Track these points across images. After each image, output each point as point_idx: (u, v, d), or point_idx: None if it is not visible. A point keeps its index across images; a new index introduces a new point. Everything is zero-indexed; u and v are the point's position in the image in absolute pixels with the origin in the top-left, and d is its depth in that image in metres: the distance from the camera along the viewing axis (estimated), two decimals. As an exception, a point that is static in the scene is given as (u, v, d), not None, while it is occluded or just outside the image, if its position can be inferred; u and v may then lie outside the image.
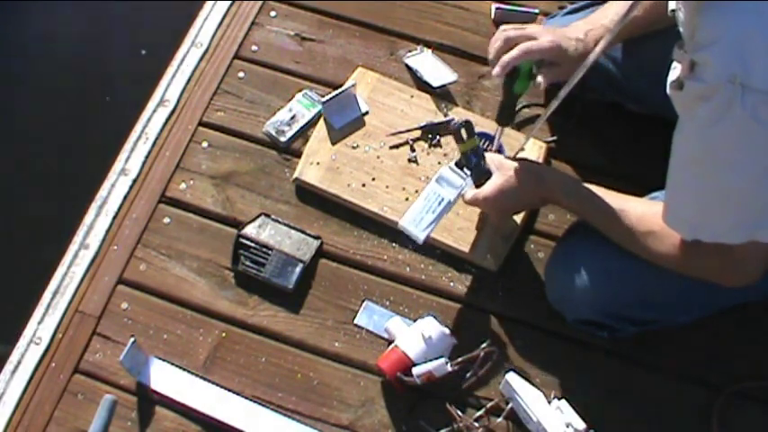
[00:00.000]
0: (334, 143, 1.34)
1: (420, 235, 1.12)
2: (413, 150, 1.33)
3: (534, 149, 1.32)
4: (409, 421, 1.13)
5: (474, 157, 1.13)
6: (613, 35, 0.95)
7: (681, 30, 0.87)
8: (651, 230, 0.96)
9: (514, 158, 1.19)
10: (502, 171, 1.11)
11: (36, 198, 1.91)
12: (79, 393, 1.16)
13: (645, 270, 1.01)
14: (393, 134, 1.34)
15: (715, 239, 0.87)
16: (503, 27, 1.13)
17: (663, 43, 1.19)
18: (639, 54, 1.21)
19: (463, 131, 1.11)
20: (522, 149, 1.23)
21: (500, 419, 1.11)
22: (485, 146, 1.27)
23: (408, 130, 1.34)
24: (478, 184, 1.13)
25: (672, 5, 0.91)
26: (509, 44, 1.10)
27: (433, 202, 1.13)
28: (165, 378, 1.15)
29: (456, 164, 1.16)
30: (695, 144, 0.83)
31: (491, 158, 1.14)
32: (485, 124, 1.34)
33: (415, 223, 1.13)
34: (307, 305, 1.22)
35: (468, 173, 1.14)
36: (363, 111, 1.36)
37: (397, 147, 1.33)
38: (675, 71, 0.85)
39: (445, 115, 1.36)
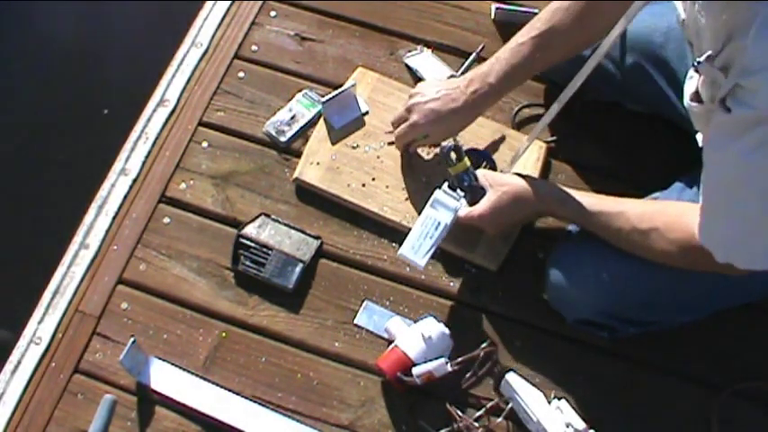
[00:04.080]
0: (334, 143, 1.33)
1: (421, 261, 1.12)
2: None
3: (534, 149, 1.32)
4: (409, 421, 1.13)
5: (466, 178, 1.14)
6: (616, 36, 0.94)
7: (692, 40, 0.86)
8: (654, 228, 0.96)
9: (506, 173, 1.19)
10: (495, 188, 1.11)
11: (36, 197, 1.91)
12: (79, 393, 1.16)
13: (645, 271, 1.01)
14: (392, 132, 1.34)
15: (749, 266, 0.85)
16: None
17: (665, 47, 1.20)
18: (641, 56, 1.21)
19: (453, 154, 1.13)
20: (521, 155, 1.23)
21: (500, 419, 1.11)
22: (481, 164, 1.27)
23: None
24: (473, 202, 1.14)
25: (682, 15, 0.89)
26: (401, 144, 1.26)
27: (429, 227, 1.14)
28: (165, 378, 1.15)
29: (449, 186, 1.16)
30: (735, 168, 0.80)
31: (484, 175, 1.14)
32: (484, 124, 1.34)
33: (414, 250, 1.13)
34: (307, 305, 1.22)
35: (462, 194, 1.15)
36: (363, 111, 1.36)
37: (393, 143, 1.33)
38: (693, 81, 0.83)
39: None
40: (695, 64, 0.82)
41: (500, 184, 1.11)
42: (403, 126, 1.22)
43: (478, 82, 1.15)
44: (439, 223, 1.14)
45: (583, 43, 1.12)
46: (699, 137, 0.97)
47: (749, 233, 0.85)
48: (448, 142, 1.18)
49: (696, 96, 0.84)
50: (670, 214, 0.97)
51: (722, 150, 0.81)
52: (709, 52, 0.80)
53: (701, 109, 0.83)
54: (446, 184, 1.17)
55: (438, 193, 1.16)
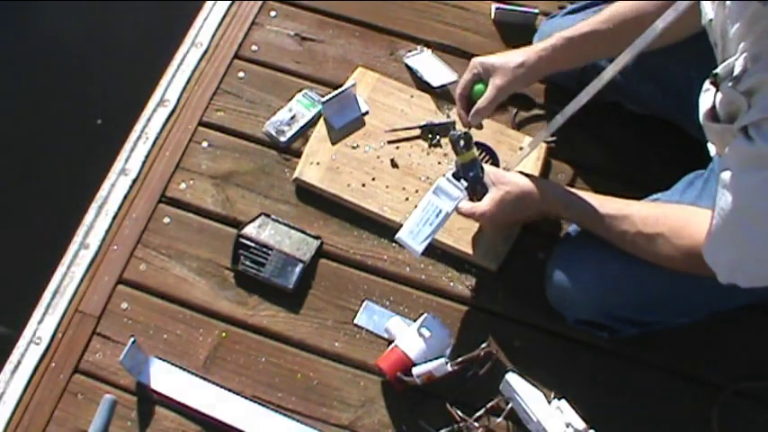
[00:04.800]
0: (334, 143, 1.33)
1: (418, 248, 1.12)
2: (397, 148, 1.33)
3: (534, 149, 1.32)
4: (409, 421, 1.13)
5: (472, 169, 1.13)
6: (640, 48, 0.93)
7: (718, 42, 0.84)
8: (659, 233, 0.96)
9: (511, 171, 1.19)
10: (499, 186, 1.10)
11: (36, 198, 1.91)
12: (79, 393, 1.16)
13: (645, 272, 1.01)
14: (391, 131, 1.34)
15: (750, 285, 0.86)
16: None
17: (665, 49, 1.19)
18: (641, 58, 1.21)
19: (462, 142, 1.11)
20: (521, 160, 1.23)
21: (500, 419, 1.11)
22: (482, 157, 1.27)
23: (407, 128, 1.34)
24: (474, 196, 1.13)
25: (710, 15, 0.87)
26: (461, 101, 1.19)
27: (430, 213, 1.13)
28: (165, 378, 1.15)
29: (453, 174, 1.15)
30: (751, 197, 0.80)
31: (488, 171, 1.13)
32: (485, 124, 1.34)
33: (413, 236, 1.12)
34: (307, 305, 1.22)
35: (466, 184, 1.14)
36: (363, 111, 1.36)
37: (392, 142, 1.33)
38: (709, 95, 0.81)
39: (447, 117, 1.36)
40: (711, 75, 0.80)
41: (504, 182, 1.10)
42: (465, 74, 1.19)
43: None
44: (440, 211, 1.12)
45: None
46: (710, 147, 0.96)
47: (756, 259, 0.84)
48: (458, 130, 1.16)
49: (712, 113, 0.81)
50: (675, 219, 0.96)
51: (740, 179, 0.80)
52: (730, 67, 0.77)
53: (718, 127, 0.81)
54: (450, 173, 1.15)
55: (442, 181, 1.14)
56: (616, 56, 0.97)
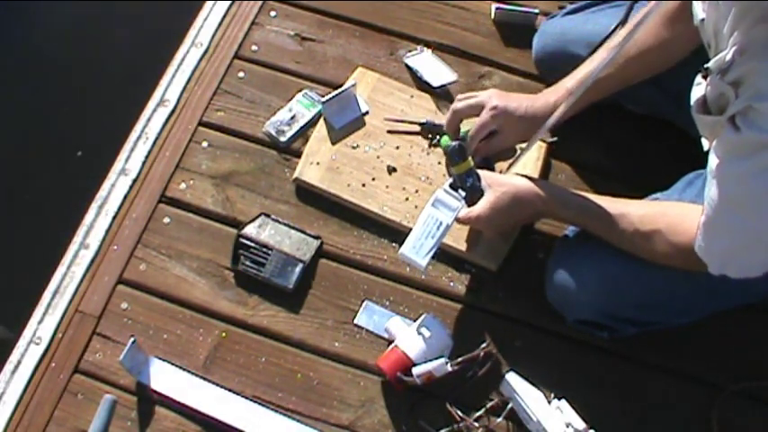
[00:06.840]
0: (334, 143, 1.34)
1: (422, 262, 1.11)
2: (397, 148, 1.33)
3: (534, 149, 1.31)
4: (409, 421, 1.13)
5: (469, 178, 1.13)
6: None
7: (710, 41, 0.84)
8: (656, 230, 0.96)
9: (507, 172, 1.19)
10: (495, 188, 1.09)
11: (36, 198, 1.91)
12: (79, 393, 1.16)
13: (645, 272, 1.01)
14: (391, 120, 1.34)
15: (741, 275, 0.86)
16: (457, 98, 1.22)
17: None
18: None
19: (457, 153, 1.12)
20: (519, 160, 1.23)
21: (500, 419, 1.11)
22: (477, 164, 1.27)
23: (407, 121, 1.34)
24: (472, 202, 1.13)
25: (701, 15, 0.87)
26: (456, 117, 1.21)
27: (431, 226, 1.12)
28: (165, 378, 1.15)
29: (450, 185, 1.15)
30: (739, 187, 0.81)
31: (483, 175, 1.13)
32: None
33: (416, 250, 1.12)
34: (307, 305, 1.22)
35: (464, 194, 1.14)
36: (363, 111, 1.36)
37: (391, 132, 1.34)
38: (700, 88, 0.82)
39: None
40: (703, 69, 0.81)
41: (500, 184, 1.10)
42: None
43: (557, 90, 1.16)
44: (441, 223, 1.13)
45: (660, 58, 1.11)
46: (704, 141, 0.97)
47: (745, 249, 0.85)
48: (452, 142, 1.17)
49: (703, 105, 0.82)
50: (672, 216, 0.97)
51: (727, 168, 0.81)
52: (721, 61, 0.77)
53: (708, 119, 0.82)
54: (447, 184, 1.16)
55: (439, 193, 1.15)
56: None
